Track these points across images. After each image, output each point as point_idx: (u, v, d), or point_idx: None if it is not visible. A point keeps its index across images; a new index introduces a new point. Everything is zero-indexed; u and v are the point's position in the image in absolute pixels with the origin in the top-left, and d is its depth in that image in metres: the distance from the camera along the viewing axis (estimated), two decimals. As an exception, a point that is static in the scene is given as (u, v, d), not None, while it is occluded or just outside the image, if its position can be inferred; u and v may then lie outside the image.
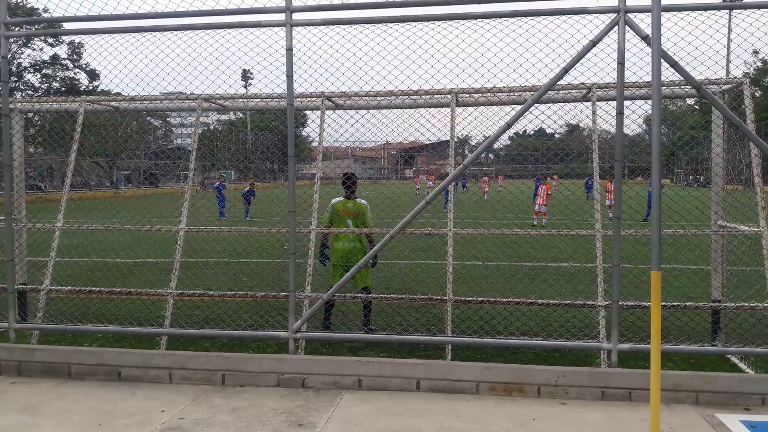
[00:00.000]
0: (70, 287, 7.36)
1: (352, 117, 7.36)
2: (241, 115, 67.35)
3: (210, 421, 4.84)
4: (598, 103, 6.37)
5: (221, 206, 25.90)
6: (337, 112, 7.36)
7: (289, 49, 5.76)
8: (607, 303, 5.83)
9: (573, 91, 6.57)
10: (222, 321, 7.10)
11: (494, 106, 6.98)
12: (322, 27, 5.91)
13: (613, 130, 5.57)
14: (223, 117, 69.60)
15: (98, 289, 7.35)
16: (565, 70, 5.40)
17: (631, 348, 5.51)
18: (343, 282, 6.07)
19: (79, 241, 14.69)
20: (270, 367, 5.74)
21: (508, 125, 5.60)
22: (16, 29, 6.50)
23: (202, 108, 7.24)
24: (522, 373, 5.40)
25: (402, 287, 9.59)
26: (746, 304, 5.88)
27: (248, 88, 69.27)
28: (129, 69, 6.71)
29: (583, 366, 5.79)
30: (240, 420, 4.86)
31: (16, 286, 6.67)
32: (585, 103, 6.69)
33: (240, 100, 7.54)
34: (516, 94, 6.65)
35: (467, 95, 6.71)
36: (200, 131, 7.54)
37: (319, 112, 7.01)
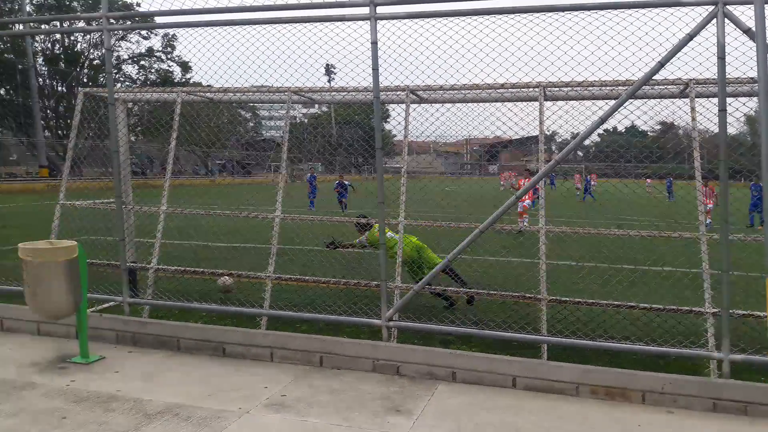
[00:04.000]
0: (175, 267, 7.79)
1: (437, 110, 7.35)
2: (325, 108, 68.70)
3: (311, 400, 5.00)
4: (696, 99, 6.03)
5: (312, 197, 26.20)
6: (422, 106, 7.35)
7: (374, 43, 5.82)
8: (715, 310, 5.52)
9: (669, 86, 6.25)
10: (315, 306, 7.28)
11: (585, 101, 6.75)
12: (406, 20, 5.92)
13: (712, 128, 5.27)
14: (310, 110, 71.22)
15: (201, 269, 7.74)
16: (661, 65, 5.19)
17: (745, 359, 5.20)
18: (433, 274, 6.12)
19: (180, 224, 15.48)
20: (365, 352, 5.86)
21: (602, 120, 5.43)
22: (117, 23, 6.92)
23: (292, 100, 7.41)
24: (626, 377, 5.21)
25: (493, 284, 9.47)
26: None
27: (332, 82, 70.59)
28: (222, 61, 6.97)
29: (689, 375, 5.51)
30: (339, 401, 4.98)
31: (127, 264, 7.14)
32: (683, 99, 6.35)
33: (327, 93, 7.68)
34: (608, 88, 6.39)
35: (556, 89, 6.50)
36: (289, 124, 7.73)
37: (401, 106, 7.04)
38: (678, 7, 5.19)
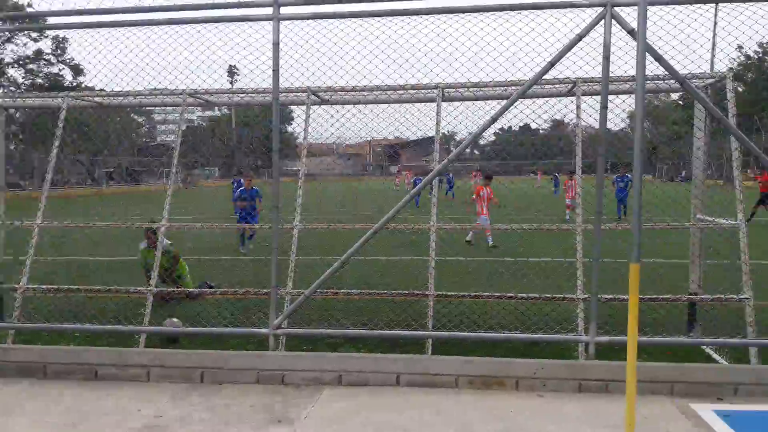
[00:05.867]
0: (47, 285, 7.26)
1: (338, 112, 7.36)
2: (226, 110, 67.01)
3: (188, 419, 4.81)
4: (582, 97, 6.40)
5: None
6: (322, 107, 7.32)
7: (276, 44, 5.73)
8: (585, 296, 5.87)
9: (558, 85, 6.59)
10: (202, 318, 7.03)
11: (480, 102, 6.99)
12: (310, 21, 5.90)
13: (598, 125, 5.61)
14: (208, 113, 69.10)
15: (75, 287, 7.26)
16: (551, 64, 5.44)
17: (609, 341, 5.56)
18: (325, 278, 6.07)
19: (58, 239, 14.50)
20: (249, 363, 5.72)
21: (493, 119, 5.64)
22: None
23: (187, 103, 7.15)
24: (501, 366, 5.43)
25: (382, 283, 9.57)
26: (722, 296, 5.95)
27: (234, 84, 68.91)
28: (113, 64, 6.65)
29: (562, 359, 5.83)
30: (218, 417, 4.83)
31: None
32: (570, 97, 6.73)
33: (225, 95, 7.49)
34: (502, 88, 6.65)
35: (454, 90, 6.69)
36: (184, 127, 7.46)
37: (304, 108, 6.97)
38: (571, 9, 5.47)
